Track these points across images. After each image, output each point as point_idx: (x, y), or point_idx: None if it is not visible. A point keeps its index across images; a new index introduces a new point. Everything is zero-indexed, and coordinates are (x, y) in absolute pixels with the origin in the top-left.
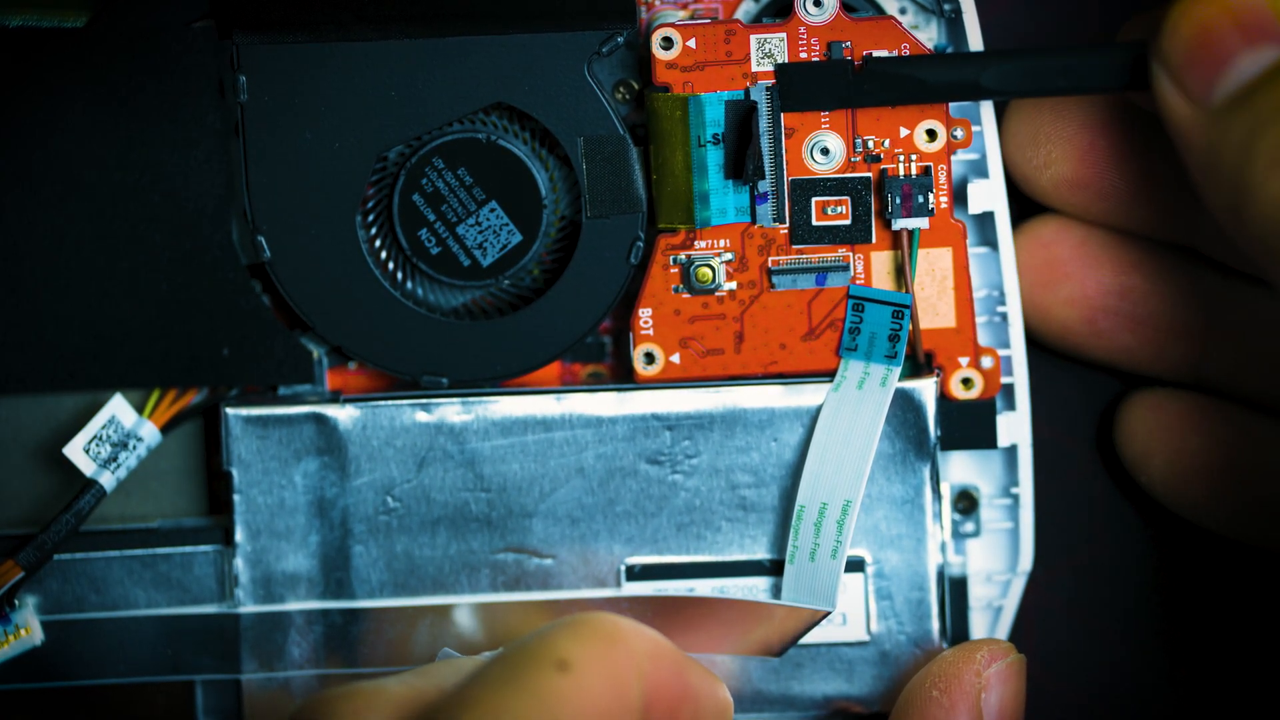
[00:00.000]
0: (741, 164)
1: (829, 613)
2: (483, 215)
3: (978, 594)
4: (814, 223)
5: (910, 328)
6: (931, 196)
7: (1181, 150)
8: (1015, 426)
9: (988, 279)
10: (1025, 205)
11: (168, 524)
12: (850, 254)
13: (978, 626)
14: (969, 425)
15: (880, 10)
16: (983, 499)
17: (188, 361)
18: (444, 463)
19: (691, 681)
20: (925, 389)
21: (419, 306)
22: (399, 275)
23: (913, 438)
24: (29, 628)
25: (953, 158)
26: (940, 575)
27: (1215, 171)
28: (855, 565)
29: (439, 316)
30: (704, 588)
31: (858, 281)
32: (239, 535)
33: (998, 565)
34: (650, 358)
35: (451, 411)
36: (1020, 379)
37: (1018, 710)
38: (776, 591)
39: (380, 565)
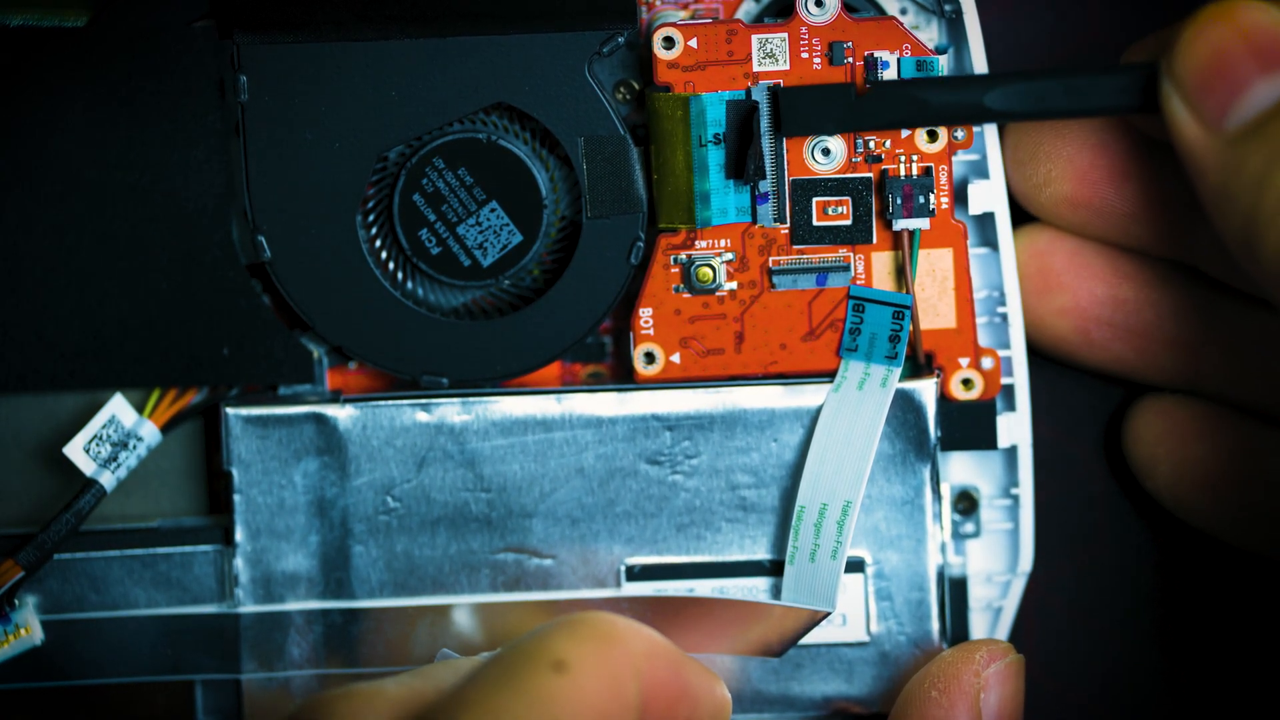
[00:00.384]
0: (742, 164)
1: (829, 613)
2: (483, 215)
3: (978, 595)
4: (815, 223)
5: (911, 328)
6: (932, 197)
7: (1192, 174)
8: (1015, 427)
9: (988, 280)
10: (1023, 210)
11: (168, 524)
12: (851, 254)
13: (978, 627)
14: (969, 426)
15: (881, 11)
16: (983, 500)
17: (188, 361)
18: (444, 463)
19: (689, 680)
20: (925, 390)
21: (419, 306)
22: (399, 275)
23: (913, 438)
24: (29, 627)
25: (954, 158)
26: (940, 576)
27: (1227, 201)
28: (855, 566)
29: (439, 316)
30: (704, 588)
31: (858, 282)
32: (239, 535)
33: (998, 566)
34: (650, 357)
35: (451, 411)
36: (1020, 380)
37: (1017, 710)
38: (776, 592)
39: (380, 565)
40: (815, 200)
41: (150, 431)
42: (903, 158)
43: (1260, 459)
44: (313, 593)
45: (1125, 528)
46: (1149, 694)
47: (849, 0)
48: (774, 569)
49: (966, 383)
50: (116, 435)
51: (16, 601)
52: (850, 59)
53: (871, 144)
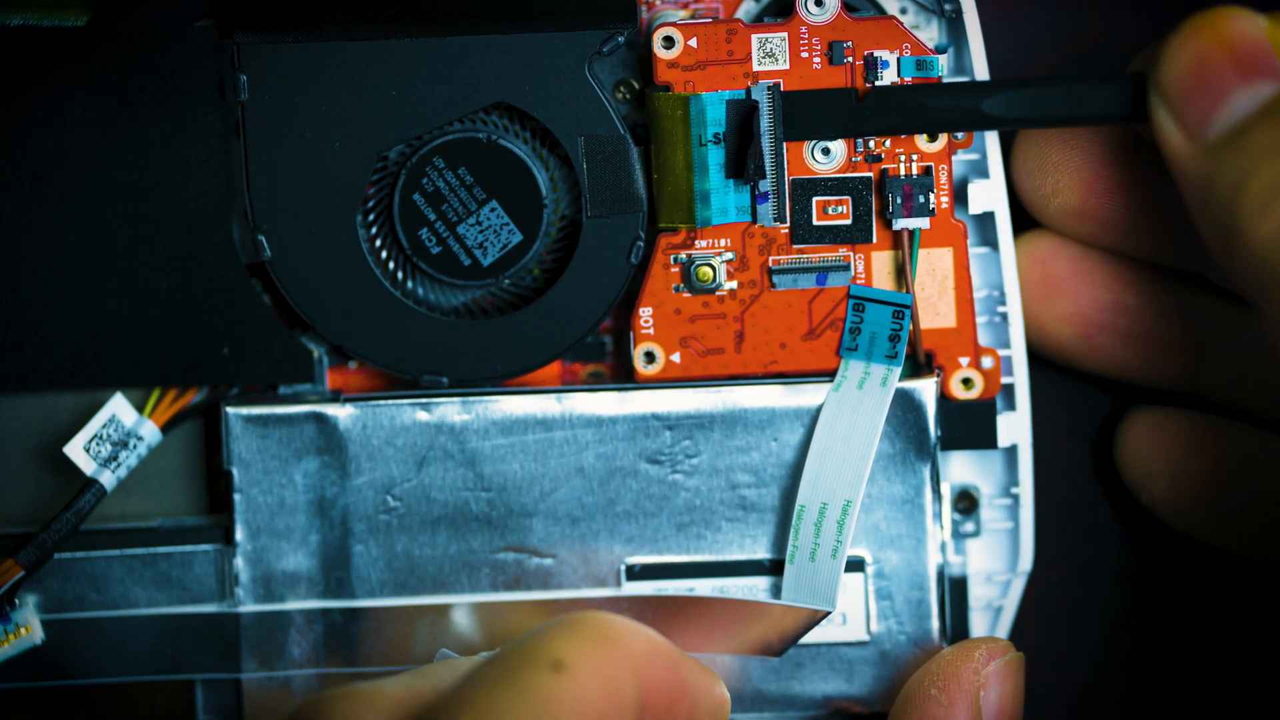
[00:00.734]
0: (742, 163)
1: (829, 613)
2: (483, 215)
3: (978, 594)
4: (815, 222)
5: (911, 328)
6: (932, 196)
7: (1177, 182)
8: (1015, 427)
9: (988, 279)
10: (1025, 214)
11: (168, 523)
12: (851, 254)
13: (978, 626)
14: (969, 425)
15: (881, 10)
16: (983, 499)
17: (188, 360)
18: (444, 462)
19: (687, 679)
20: (925, 389)
21: (419, 306)
22: (399, 275)
23: (913, 438)
24: (29, 626)
25: (953, 158)
26: (940, 575)
27: (1207, 207)
28: (855, 565)
29: (439, 316)
30: (704, 587)
31: (858, 281)
32: (239, 534)
33: (998, 565)
34: (650, 357)
35: (452, 411)
36: (1020, 379)
37: (1016, 708)
38: (776, 591)
39: (380, 564)
40: (815, 200)
41: (150, 431)
42: (903, 157)
43: (1259, 466)
44: (313, 592)
45: (1125, 528)
46: (1149, 693)
47: (849, 0)
48: (774, 568)
49: (966, 382)
50: (117, 435)
51: (17, 601)
52: (850, 58)
53: (871, 144)
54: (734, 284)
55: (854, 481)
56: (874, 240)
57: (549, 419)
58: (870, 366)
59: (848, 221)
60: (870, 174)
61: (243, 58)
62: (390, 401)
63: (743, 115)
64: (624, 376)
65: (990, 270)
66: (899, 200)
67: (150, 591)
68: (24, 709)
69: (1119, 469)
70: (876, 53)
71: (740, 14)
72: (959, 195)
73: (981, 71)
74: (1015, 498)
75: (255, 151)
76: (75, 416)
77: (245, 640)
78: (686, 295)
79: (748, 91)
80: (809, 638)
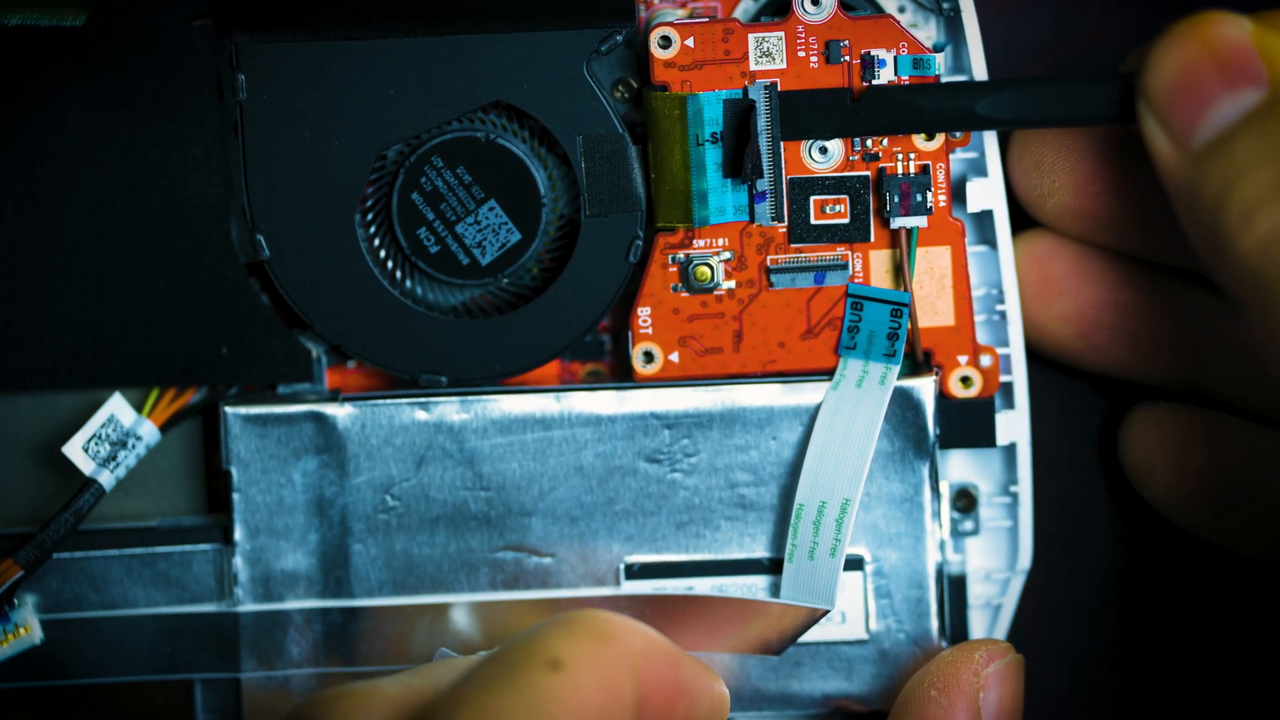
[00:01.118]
0: (740, 163)
1: (828, 611)
2: (482, 214)
3: (977, 592)
4: (812, 221)
5: (909, 326)
6: (930, 195)
7: (1165, 187)
8: (1014, 425)
9: (986, 277)
10: (1024, 214)
11: (167, 523)
12: (849, 252)
13: (977, 625)
14: (968, 423)
15: (879, 9)
16: (982, 497)
17: (187, 360)
18: (443, 461)
19: (686, 677)
20: (924, 387)
21: (418, 305)
22: (398, 274)
23: (912, 436)
24: (28, 626)
25: (951, 156)
26: (939, 573)
27: (1194, 214)
28: (854, 563)
29: (438, 315)
30: (703, 586)
31: (856, 280)
32: (238, 534)
33: (997, 563)
34: (649, 357)
35: (450, 410)
36: (1019, 377)
37: (1016, 709)
38: (775, 590)
39: (379, 564)
40: (813, 199)
41: (149, 431)
42: (900, 156)
43: (1258, 463)
44: (312, 591)
45: (1125, 527)
46: (1148, 693)
47: None
48: (773, 567)
49: (965, 380)
50: (115, 434)
51: (16, 601)
52: (847, 57)
53: (869, 142)
54: (732, 283)
55: (853, 480)
56: (872, 239)
57: (548, 418)
58: (869, 365)
59: (845, 220)
60: (868, 173)
61: (241, 57)
62: (389, 401)
63: (740, 115)
64: (623, 375)
65: (989, 268)
66: (896, 199)
67: (149, 591)
68: (23, 709)
69: (1122, 464)
70: (873, 52)
71: (738, 13)
72: (958, 193)
73: (980, 70)
74: (1014, 496)
75: (253, 151)
76: (74, 416)
77: (244, 640)
78: (685, 295)
79: (745, 91)
80: (808, 636)
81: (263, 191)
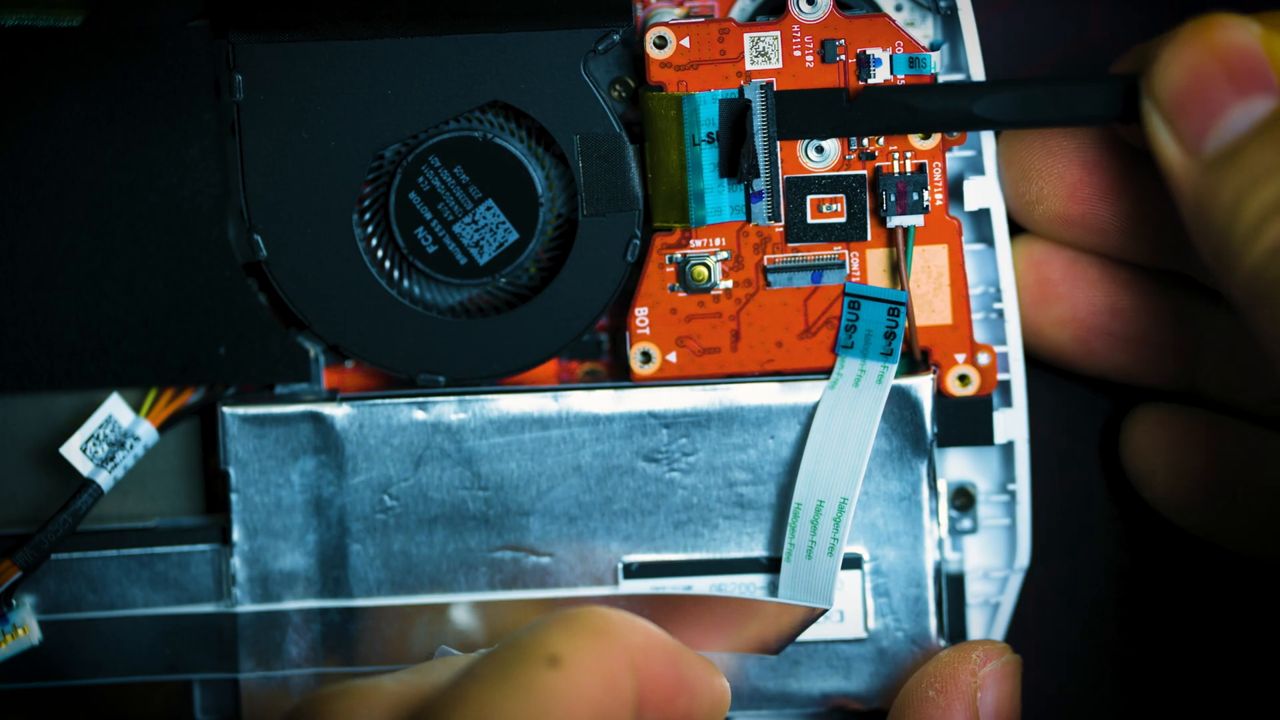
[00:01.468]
0: (736, 162)
1: (826, 610)
2: (479, 213)
3: (975, 590)
4: (809, 220)
5: (906, 325)
6: (926, 194)
7: (1172, 193)
8: (1012, 423)
9: (984, 275)
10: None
11: (165, 523)
12: (846, 251)
13: (975, 623)
14: (966, 422)
15: (875, 7)
16: (980, 495)
17: (184, 360)
18: (441, 461)
19: (686, 672)
20: (922, 386)
21: (416, 305)
22: (396, 274)
23: (909, 435)
24: (26, 627)
25: (949, 154)
26: (937, 572)
27: (1203, 223)
28: (852, 562)
29: (436, 315)
30: (701, 585)
31: (853, 279)
32: (236, 534)
33: (995, 562)
34: (647, 357)
35: (448, 410)
36: (1017, 375)
37: (1014, 709)
38: (774, 589)
39: (378, 564)
40: (809, 198)
41: (147, 431)
42: (896, 155)
43: (1259, 464)
44: (310, 592)
45: (1124, 527)
46: (1146, 692)
47: None
48: (771, 566)
49: (963, 379)
50: (113, 435)
51: (14, 601)
52: (842, 57)
53: (865, 142)
54: (729, 283)
55: (850, 479)
56: (869, 238)
57: (546, 418)
58: (866, 364)
59: (842, 219)
60: (864, 172)
61: (238, 57)
62: (387, 401)
63: (736, 114)
64: (621, 373)
65: (986, 267)
66: (893, 198)
67: (148, 592)
68: (22, 709)
69: (1122, 464)
70: (869, 51)
71: (734, 12)
72: (955, 192)
73: (977, 69)
74: (1012, 494)
75: (251, 151)
76: (72, 417)
77: (243, 640)
78: (682, 295)
79: (741, 91)
80: (806, 635)
81: (260, 191)
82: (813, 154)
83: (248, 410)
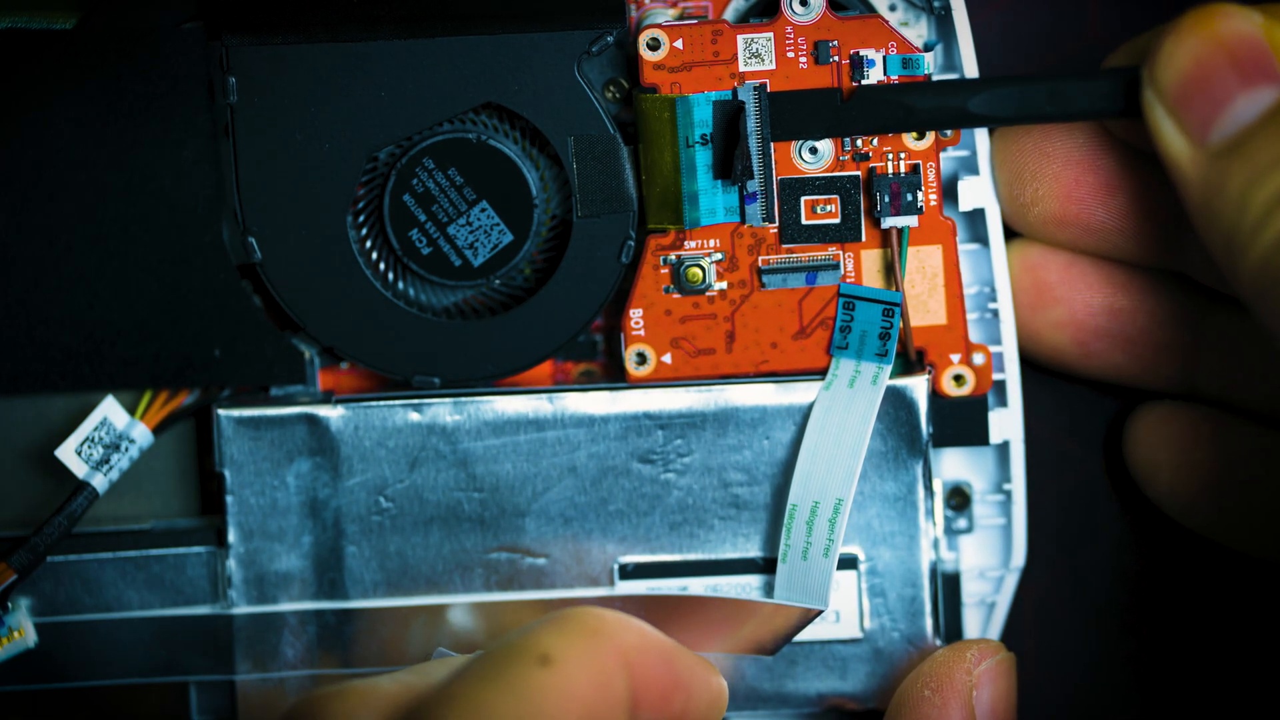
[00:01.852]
0: (730, 164)
1: (821, 611)
2: (473, 215)
3: (971, 590)
4: (803, 222)
5: (901, 325)
6: (920, 194)
7: (1176, 183)
8: (1007, 423)
9: (979, 275)
10: None
11: (160, 525)
12: (840, 252)
13: (971, 623)
14: (961, 422)
15: (868, 8)
16: (975, 495)
17: (179, 363)
18: (436, 463)
19: (682, 671)
20: (917, 386)
21: (410, 307)
22: (390, 275)
23: (905, 435)
24: (22, 630)
25: (943, 155)
26: (933, 572)
27: (1210, 214)
28: (848, 563)
29: (430, 316)
30: (697, 586)
31: (848, 280)
32: (232, 536)
33: (991, 561)
34: (642, 358)
35: (443, 411)
36: (1012, 375)
37: (1009, 707)
38: (769, 590)
39: (373, 565)
40: (804, 199)
41: (142, 433)
42: (890, 155)
43: (1261, 462)
44: (306, 593)
45: (1122, 527)
46: (1144, 692)
47: None
48: (767, 567)
49: (958, 379)
50: (108, 437)
51: (10, 604)
52: (836, 57)
53: (859, 142)
54: (724, 284)
55: (846, 479)
56: (863, 239)
57: (541, 419)
58: (861, 365)
59: (836, 220)
60: (858, 172)
61: (231, 60)
62: (382, 402)
63: (729, 116)
64: (616, 374)
65: (981, 266)
66: (887, 199)
67: (143, 594)
68: (18, 712)
69: (1126, 462)
70: (862, 51)
71: (728, 14)
72: (949, 192)
73: (971, 68)
74: (1007, 494)
75: (245, 153)
76: (67, 419)
77: (239, 642)
78: (676, 296)
79: (734, 92)
80: (802, 635)
81: (254, 194)
82: (807, 155)
83: (243, 412)
